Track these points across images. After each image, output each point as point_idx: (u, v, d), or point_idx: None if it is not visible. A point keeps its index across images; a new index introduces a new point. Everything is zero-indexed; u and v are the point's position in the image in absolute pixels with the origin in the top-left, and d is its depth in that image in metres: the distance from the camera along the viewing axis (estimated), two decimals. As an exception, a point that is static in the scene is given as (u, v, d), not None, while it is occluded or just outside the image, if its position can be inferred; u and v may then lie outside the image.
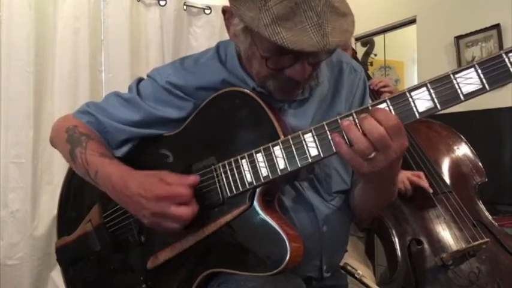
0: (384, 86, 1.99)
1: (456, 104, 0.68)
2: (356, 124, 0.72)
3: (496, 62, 0.65)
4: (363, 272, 1.25)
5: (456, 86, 0.67)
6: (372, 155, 0.71)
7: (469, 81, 0.66)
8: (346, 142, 0.73)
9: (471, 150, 1.80)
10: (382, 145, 0.70)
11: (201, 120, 0.95)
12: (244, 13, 0.76)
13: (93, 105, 1.05)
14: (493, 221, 1.63)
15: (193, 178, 0.86)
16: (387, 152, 0.71)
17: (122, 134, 1.01)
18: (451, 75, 0.68)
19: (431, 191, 1.63)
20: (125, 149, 1.01)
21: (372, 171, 0.74)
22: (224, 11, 0.88)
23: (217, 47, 1.02)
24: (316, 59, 0.85)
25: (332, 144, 0.75)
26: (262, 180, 0.82)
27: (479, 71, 0.66)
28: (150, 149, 1.01)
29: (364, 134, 0.70)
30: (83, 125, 1.01)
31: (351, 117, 0.74)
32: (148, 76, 1.04)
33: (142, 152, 1.02)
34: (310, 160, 0.77)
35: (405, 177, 1.62)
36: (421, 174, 1.65)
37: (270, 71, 0.85)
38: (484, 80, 0.65)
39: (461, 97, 0.67)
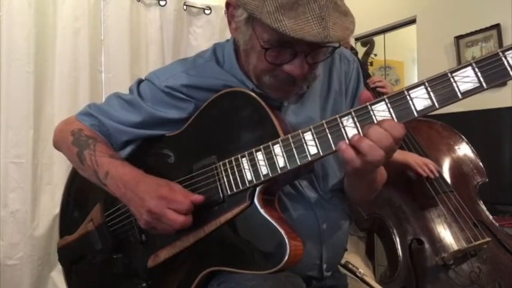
0: (382, 87, 1.99)
1: (454, 102, 0.69)
2: (363, 134, 0.73)
3: (492, 60, 0.65)
4: (363, 271, 1.25)
5: (454, 84, 0.68)
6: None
7: (466, 79, 0.67)
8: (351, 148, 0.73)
9: (472, 150, 1.81)
10: (391, 151, 0.73)
11: (202, 120, 0.96)
12: (248, 2, 0.77)
13: (95, 107, 1.05)
14: (493, 221, 1.63)
15: (197, 196, 0.87)
16: (391, 154, 0.74)
17: (124, 136, 1.01)
18: (449, 74, 0.68)
19: (436, 175, 1.65)
20: (127, 150, 1.02)
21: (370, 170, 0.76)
22: (228, 3, 0.89)
23: (214, 48, 1.02)
24: (315, 59, 0.85)
25: (332, 143, 0.76)
26: (262, 179, 0.82)
27: (476, 69, 0.66)
28: (152, 150, 1.02)
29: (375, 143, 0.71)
30: (88, 128, 1.02)
31: (349, 116, 0.74)
32: (146, 79, 1.04)
33: (144, 153, 1.02)
34: (309, 158, 0.78)
35: (411, 158, 1.64)
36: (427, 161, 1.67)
37: (268, 65, 0.85)
38: (481, 78, 0.66)
39: (459, 95, 0.68)
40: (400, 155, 1.63)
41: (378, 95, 1.97)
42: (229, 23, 0.91)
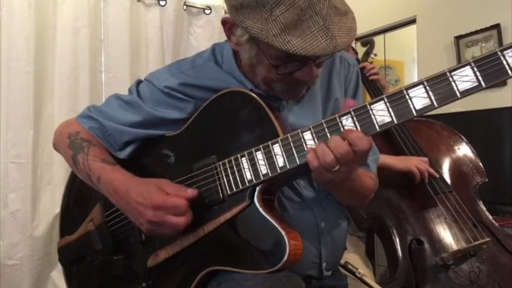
0: (375, 73, 2.01)
1: (453, 101, 0.69)
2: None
3: (491, 59, 0.65)
4: (363, 271, 1.25)
5: (452, 83, 0.68)
6: (336, 168, 0.73)
7: (465, 78, 0.67)
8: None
9: (472, 151, 1.81)
10: (350, 161, 0.73)
11: (202, 120, 0.96)
12: (250, 25, 0.77)
13: (94, 109, 1.05)
14: (493, 221, 1.63)
15: (191, 192, 0.87)
16: (352, 165, 0.75)
17: (124, 136, 1.01)
18: (447, 73, 0.68)
19: (437, 175, 1.65)
20: (128, 150, 1.02)
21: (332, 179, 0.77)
22: (224, 22, 0.89)
23: (213, 49, 1.03)
24: (321, 59, 0.86)
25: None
26: (262, 178, 0.83)
27: (475, 68, 0.66)
28: (153, 150, 1.02)
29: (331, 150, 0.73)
30: (85, 131, 1.02)
31: (349, 115, 0.75)
32: (145, 80, 1.04)
33: (145, 153, 1.03)
34: (309, 158, 0.78)
35: (413, 165, 1.63)
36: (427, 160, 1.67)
37: (279, 76, 0.86)
38: (480, 78, 0.66)
39: (458, 94, 0.68)
40: (402, 162, 1.63)
41: (369, 82, 1.98)
42: (229, 38, 0.91)
